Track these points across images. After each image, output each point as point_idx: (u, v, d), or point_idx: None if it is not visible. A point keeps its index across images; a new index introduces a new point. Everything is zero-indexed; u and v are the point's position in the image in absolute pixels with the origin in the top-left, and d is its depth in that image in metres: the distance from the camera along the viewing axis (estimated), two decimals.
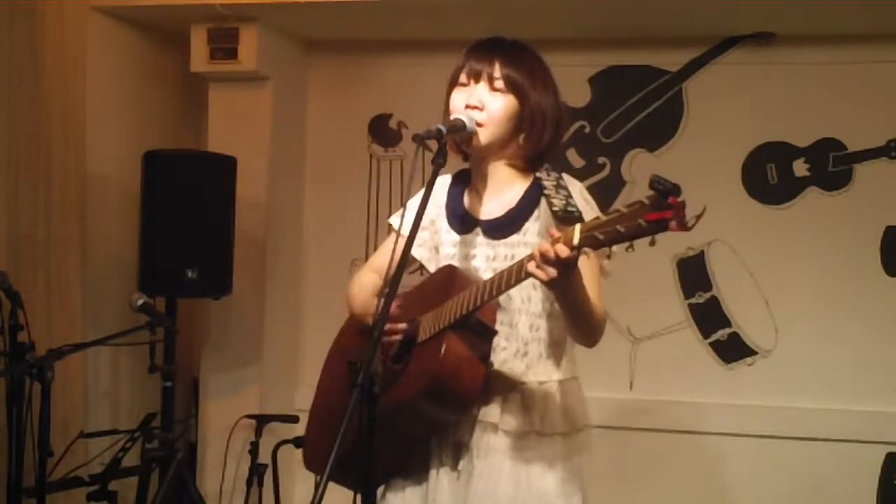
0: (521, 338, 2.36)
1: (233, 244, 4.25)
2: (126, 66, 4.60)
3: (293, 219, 4.76)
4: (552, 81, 2.43)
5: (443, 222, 2.48)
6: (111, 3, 4.39)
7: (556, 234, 2.06)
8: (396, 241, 2.31)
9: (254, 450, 4.30)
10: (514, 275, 2.15)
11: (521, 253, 2.33)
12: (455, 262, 2.42)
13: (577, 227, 2.01)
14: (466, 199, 2.48)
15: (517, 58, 2.38)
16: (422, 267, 2.55)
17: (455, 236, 2.45)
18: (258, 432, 4.32)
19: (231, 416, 4.43)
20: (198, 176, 4.20)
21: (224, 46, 4.41)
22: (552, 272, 2.04)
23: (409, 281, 2.60)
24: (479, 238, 2.42)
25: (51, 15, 4.10)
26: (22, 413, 3.52)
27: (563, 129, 2.48)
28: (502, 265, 2.33)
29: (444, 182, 2.52)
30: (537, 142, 2.39)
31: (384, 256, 2.55)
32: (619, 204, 1.96)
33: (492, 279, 2.21)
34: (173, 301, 4.18)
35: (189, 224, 4.12)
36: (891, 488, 4.04)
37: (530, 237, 2.37)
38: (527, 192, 2.41)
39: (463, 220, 2.45)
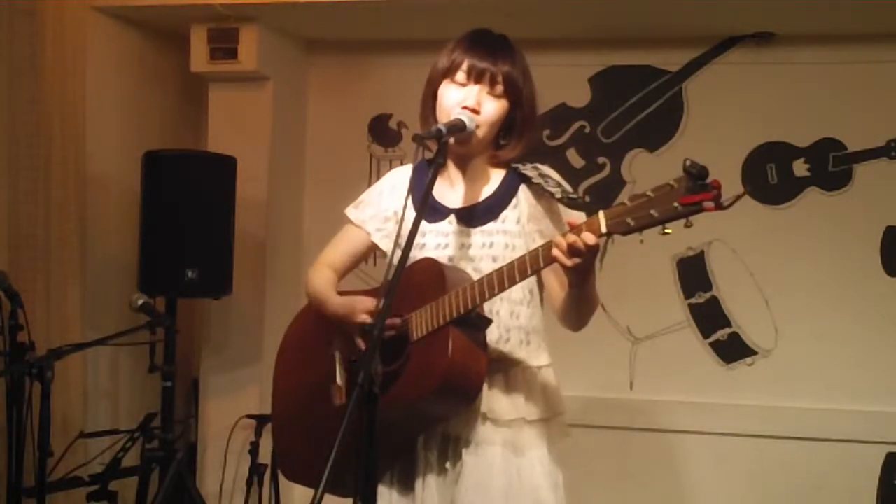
0: (503, 325, 2.36)
1: (233, 244, 4.25)
2: (126, 66, 4.60)
3: (293, 219, 4.76)
4: (533, 82, 2.43)
5: (409, 212, 2.37)
6: (111, 3, 4.39)
7: (575, 221, 2.06)
8: (396, 243, 2.29)
9: (254, 450, 4.30)
10: (530, 265, 2.14)
11: (499, 241, 2.35)
12: (425, 253, 2.39)
13: (602, 213, 2.01)
14: (435, 189, 2.44)
15: (512, 60, 2.38)
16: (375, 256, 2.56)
17: (425, 225, 2.41)
18: (258, 432, 4.32)
19: (231, 416, 4.43)
20: (198, 176, 4.19)
21: (224, 46, 4.41)
22: (576, 259, 2.06)
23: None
24: (453, 227, 2.41)
25: (51, 15, 4.10)
26: (22, 413, 3.53)
27: (540, 128, 2.49)
28: (479, 253, 2.35)
29: (405, 172, 2.50)
30: (527, 143, 2.41)
31: (338, 248, 2.60)
32: None
33: (499, 271, 2.19)
34: (173, 301, 4.18)
35: (189, 224, 4.11)
36: (891, 488, 4.03)
37: (509, 225, 2.37)
38: (503, 182, 2.42)
39: (433, 210, 2.42)
